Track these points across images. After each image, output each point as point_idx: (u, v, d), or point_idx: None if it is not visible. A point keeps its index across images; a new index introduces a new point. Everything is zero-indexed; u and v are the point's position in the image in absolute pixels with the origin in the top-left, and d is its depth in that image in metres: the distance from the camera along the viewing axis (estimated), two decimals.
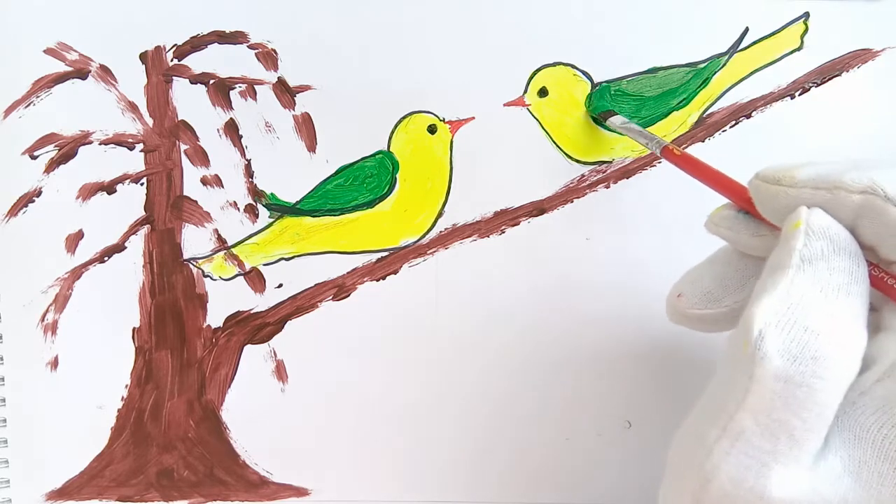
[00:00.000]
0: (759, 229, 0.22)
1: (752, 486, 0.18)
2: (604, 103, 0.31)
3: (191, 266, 0.31)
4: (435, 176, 0.31)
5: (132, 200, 0.31)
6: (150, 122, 0.31)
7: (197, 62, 0.31)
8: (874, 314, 0.21)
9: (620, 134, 0.30)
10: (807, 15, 0.31)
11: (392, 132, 0.31)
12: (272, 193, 0.31)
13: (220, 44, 0.31)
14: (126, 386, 0.32)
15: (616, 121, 0.30)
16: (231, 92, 0.31)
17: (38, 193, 0.31)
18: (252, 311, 0.32)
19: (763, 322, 0.18)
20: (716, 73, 0.31)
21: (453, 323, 0.31)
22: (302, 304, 0.32)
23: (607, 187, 0.31)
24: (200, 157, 0.31)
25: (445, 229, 0.31)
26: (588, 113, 0.31)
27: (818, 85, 0.31)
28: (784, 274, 0.18)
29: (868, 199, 0.19)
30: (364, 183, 0.31)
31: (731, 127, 0.31)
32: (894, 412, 0.18)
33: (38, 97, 0.31)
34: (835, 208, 0.19)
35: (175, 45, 0.31)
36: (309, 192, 0.31)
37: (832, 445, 0.18)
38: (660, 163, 0.31)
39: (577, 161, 0.31)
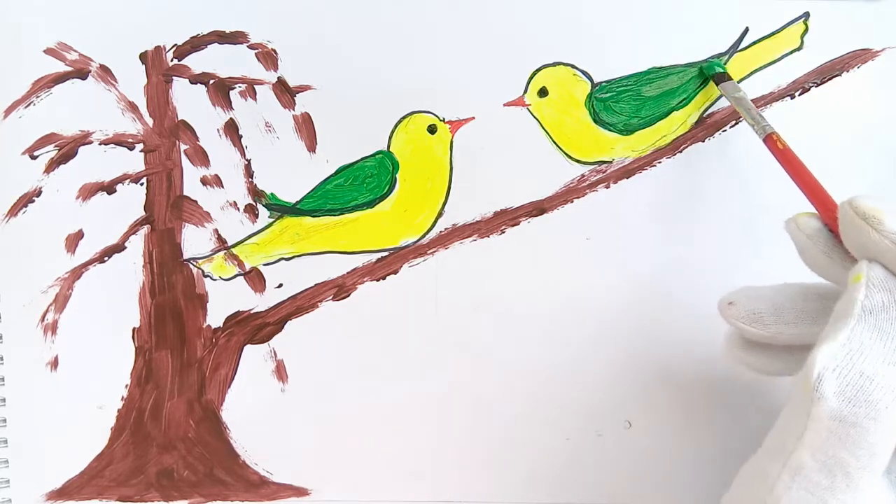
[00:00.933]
0: (832, 250, 0.23)
1: None
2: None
3: (191, 266, 0.31)
4: (435, 176, 0.31)
5: (132, 200, 0.31)
6: (150, 122, 0.31)
7: (197, 62, 0.31)
8: None
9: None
10: (807, 15, 0.31)
11: (392, 132, 0.31)
12: (272, 193, 0.31)
13: (220, 44, 0.31)
14: (126, 386, 0.32)
15: (728, 87, 0.29)
16: (231, 92, 0.31)
17: (38, 193, 0.31)
18: (252, 311, 0.32)
19: (822, 366, 0.19)
20: None
21: (453, 323, 0.31)
22: (302, 304, 0.32)
23: (607, 187, 0.31)
24: (200, 157, 0.31)
25: (445, 229, 0.31)
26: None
27: (818, 85, 0.31)
28: (846, 323, 0.20)
29: None
30: (364, 183, 0.31)
31: (731, 127, 0.31)
32: None
33: (38, 97, 0.31)
34: None
35: (175, 45, 0.31)
36: (309, 192, 0.31)
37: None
38: (660, 163, 0.31)
39: (577, 161, 0.31)
